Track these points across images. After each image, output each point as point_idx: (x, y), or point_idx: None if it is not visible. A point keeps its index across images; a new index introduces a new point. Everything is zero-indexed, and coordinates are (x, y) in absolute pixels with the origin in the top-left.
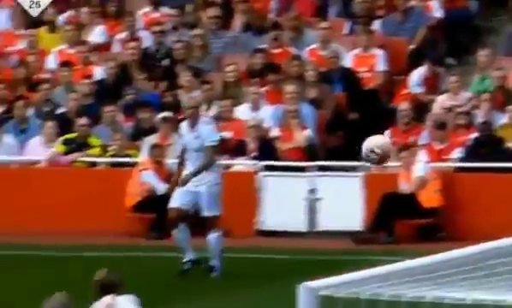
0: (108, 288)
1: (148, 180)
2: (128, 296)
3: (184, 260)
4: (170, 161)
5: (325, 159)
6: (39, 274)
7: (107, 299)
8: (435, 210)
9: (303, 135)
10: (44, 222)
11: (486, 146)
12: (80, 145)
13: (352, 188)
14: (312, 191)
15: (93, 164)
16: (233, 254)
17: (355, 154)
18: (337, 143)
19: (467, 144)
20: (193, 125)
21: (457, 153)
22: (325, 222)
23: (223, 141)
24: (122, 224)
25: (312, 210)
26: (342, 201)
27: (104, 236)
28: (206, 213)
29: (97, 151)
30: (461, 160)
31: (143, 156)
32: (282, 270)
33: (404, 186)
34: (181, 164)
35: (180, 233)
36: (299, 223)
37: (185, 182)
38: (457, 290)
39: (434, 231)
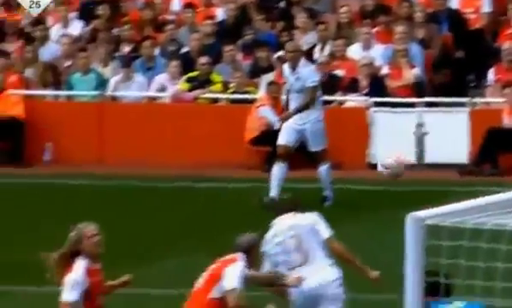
0: (288, 207)
1: (265, 115)
2: (308, 213)
3: (269, 196)
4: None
5: (432, 96)
6: (169, 202)
7: (288, 216)
8: None
9: (412, 73)
10: (169, 155)
11: None
12: (202, 83)
13: (458, 123)
14: (420, 125)
15: (215, 101)
16: (345, 185)
17: (461, 90)
18: (444, 80)
19: None
20: (294, 67)
21: None
22: (432, 155)
23: (336, 79)
24: (242, 157)
25: (419, 144)
26: (448, 135)
27: (224, 168)
28: (313, 148)
29: (218, 87)
30: None
31: (261, 93)
32: (391, 201)
33: (508, 122)
34: (287, 104)
35: (278, 169)
36: (407, 156)
37: (287, 118)
38: None
39: None
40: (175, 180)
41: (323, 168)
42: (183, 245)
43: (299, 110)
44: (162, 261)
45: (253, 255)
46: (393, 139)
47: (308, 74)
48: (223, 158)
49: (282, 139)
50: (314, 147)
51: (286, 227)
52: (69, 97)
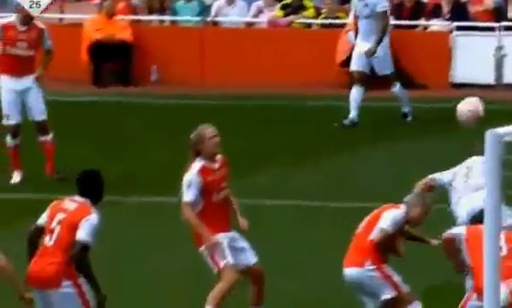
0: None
1: (353, 39)
2: None
3: (349, 117)
4: None
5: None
6: (266, 120)
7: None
8: None
9: None
10: (266, 76)
11: None
12: (295, 9)
13: None
14: (500, 48)
15: (308, 26)
16: (428, 104)
17: None
18: None
19: None
20: None
21: None
22: (511, 76)
23: (421, 5)
24: (333, 78)
25: (499, 66)
26: None
27: (317, 88)
28: (381, 72)
29: (311, 12)
30: None
31: (350, 18)
32: None
33: None
34: (356, 30)
35: (355, 92)
36: (488, 77)
37: (372, 53)
38: None
39: None
40: (271, 99)
41: (395, 89)
42: (279, 160)
43: (380, 39)
44: (258, 174)
45: (415, 215)
46: (474, 61)
47: (376, 0)
48: (316, 79)
49: (354, 65)
50: (382, 71)
51: (478, 170)
52: (173, 23)
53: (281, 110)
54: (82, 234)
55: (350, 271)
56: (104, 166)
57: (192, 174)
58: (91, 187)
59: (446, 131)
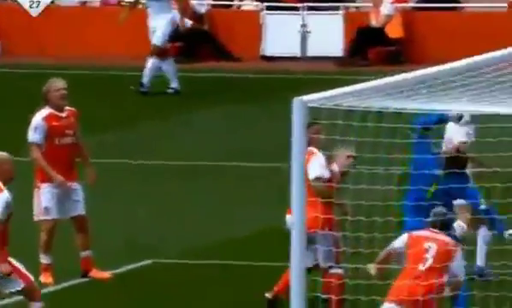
0: None
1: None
2: None
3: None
4: None
5: (313, 1)
6: None
7: None
8: (398, 40)
9: None
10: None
11: None
12: None
13: (334, 23)
14: (304, 25)
15: None
16: (243, 74)
17: None
18: None
19: None
20: None
21: None
22: (314, 50)
23: None
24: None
25: (303, 40)
26: (326, 33)
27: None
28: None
29: None
30: (418, 1)
31: None
32: (280, 88)
33: (374, 22)
34: None
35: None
36: (294, 49)
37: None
38: (417, 102)
39: (398, 56)
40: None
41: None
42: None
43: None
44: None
45: None
46: (281, 36)
47: None
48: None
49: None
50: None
51: None
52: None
53: None
54: None
55: None
56: None
57: (37, 119)
58: None
59: (254, 101)
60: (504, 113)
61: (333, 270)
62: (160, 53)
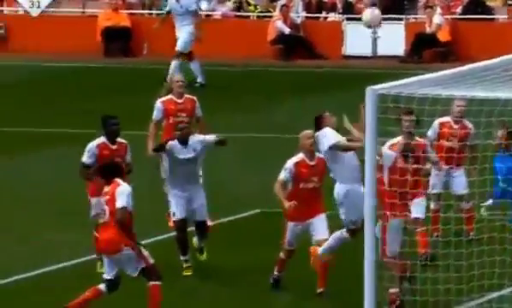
0: None
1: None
2: None
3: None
4: None
5: (382, 14)
6: None
7: None
8: (447, 43)
9: None
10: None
11: (477, 6)
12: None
13: (398, 30)
14: (374, 32)
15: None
16: (324, 70)
17: (400, 10)
18: (389, 3)
19: (464, 3)
20: None
21: (459, 9)
22: (382, 50)
23: (322, 2)
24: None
25: (374, 43)
26: (392, 38)
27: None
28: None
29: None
30: (461, 13)
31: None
32: (356, 78)
33: (429, 29)
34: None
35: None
36: (367, 50)
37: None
38: (464, 90)
39: (447, 55)
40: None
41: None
42: None
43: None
44: None
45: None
46: (357, 40)
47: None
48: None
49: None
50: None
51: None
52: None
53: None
54: None
55: None
56: None
57: (157, 104)
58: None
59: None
60: None
61: None
62: (186, 56)
